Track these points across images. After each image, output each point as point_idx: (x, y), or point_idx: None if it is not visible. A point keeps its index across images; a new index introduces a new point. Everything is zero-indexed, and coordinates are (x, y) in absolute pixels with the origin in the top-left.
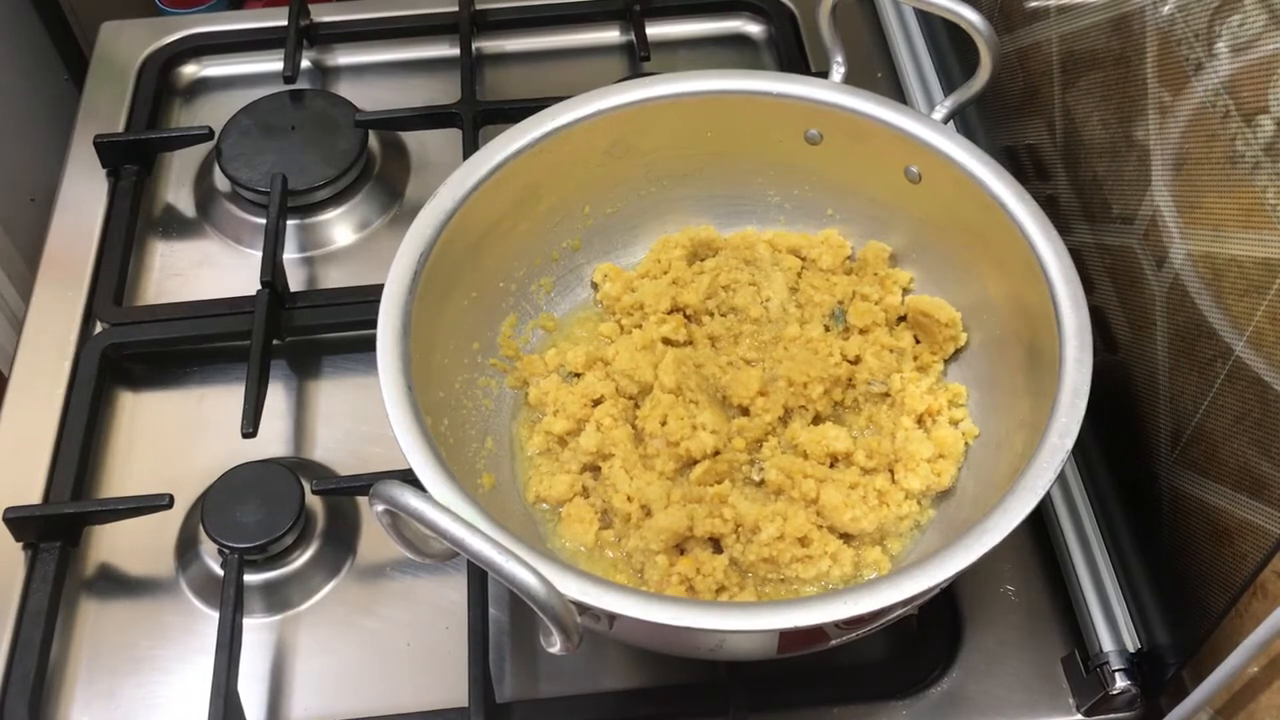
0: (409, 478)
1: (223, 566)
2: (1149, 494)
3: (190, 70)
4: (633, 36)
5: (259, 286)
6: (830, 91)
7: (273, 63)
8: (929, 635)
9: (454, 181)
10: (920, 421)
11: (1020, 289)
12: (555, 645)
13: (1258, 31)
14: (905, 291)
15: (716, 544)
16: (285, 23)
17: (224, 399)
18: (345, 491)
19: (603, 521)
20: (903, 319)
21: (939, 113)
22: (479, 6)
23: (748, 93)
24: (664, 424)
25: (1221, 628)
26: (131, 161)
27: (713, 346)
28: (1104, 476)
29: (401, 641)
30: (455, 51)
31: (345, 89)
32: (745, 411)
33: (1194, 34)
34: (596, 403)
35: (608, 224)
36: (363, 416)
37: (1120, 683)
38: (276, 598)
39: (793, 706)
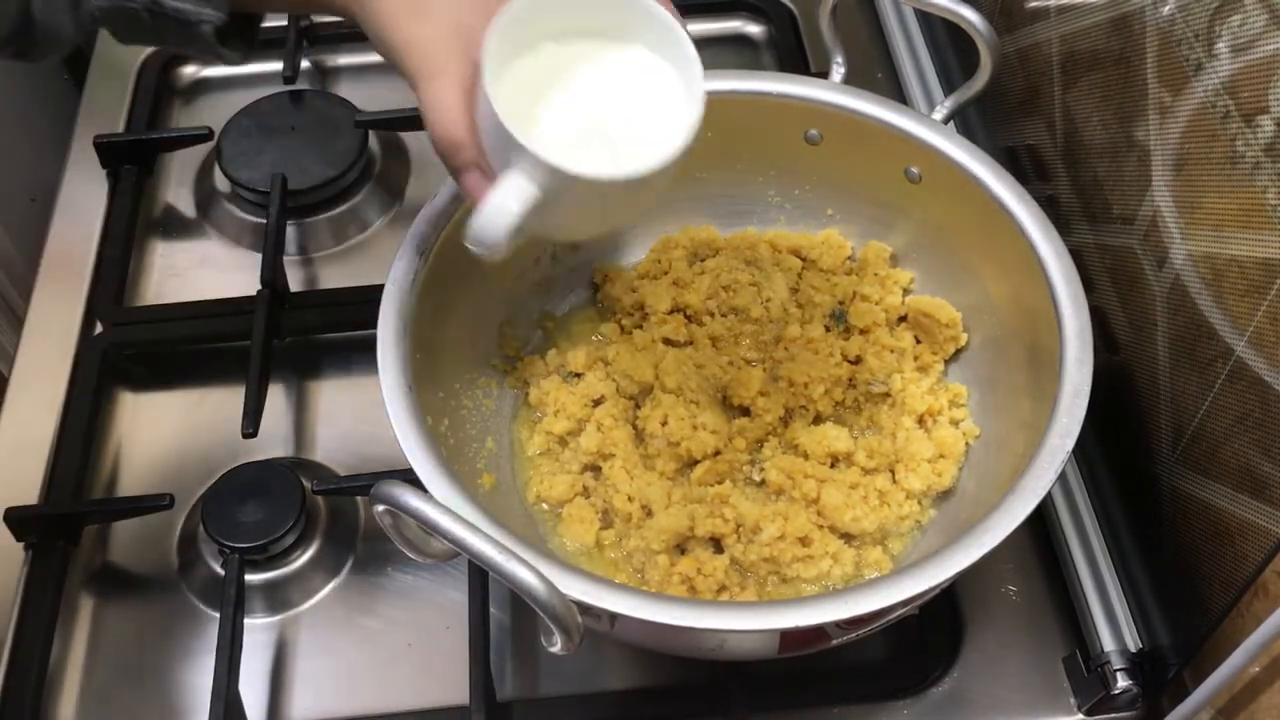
0: (409, 478)
1: (223, 566)
2: (1150, 494)
3: (190, 70)
4: None
5: (259, 286)
6: (830, 91)
7: (272, 63)
8: (930, 635)
9: (454, 182)
10: (921, 421)
11: (1021, 289)
12: (556, 645)
13: (1258, 32)
14: (906, 291)
15: (717, 544)
16: (285, 23)
17: (224, 399)
18: (345, 491)
19: (603, 521)
20: (903, 319)
21: (939, 113)
22: None
23: (748, 93)
24: (665, 424)
25: (1223, 628)
26: (131, 162)
27: (714, 347)
28: (1105, 477)
29: (402, 641)
30: None
31: (345, 89)
32: (746, 412)
33: (1194, 34)
34: (597, 403)
35: None
36: (363, 416)
37: (1121, 682)
38: (277, 598)
39: (793, 707)
